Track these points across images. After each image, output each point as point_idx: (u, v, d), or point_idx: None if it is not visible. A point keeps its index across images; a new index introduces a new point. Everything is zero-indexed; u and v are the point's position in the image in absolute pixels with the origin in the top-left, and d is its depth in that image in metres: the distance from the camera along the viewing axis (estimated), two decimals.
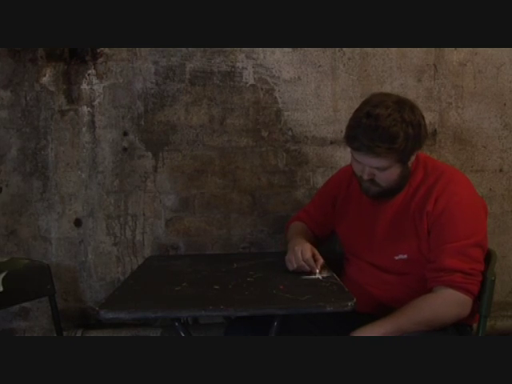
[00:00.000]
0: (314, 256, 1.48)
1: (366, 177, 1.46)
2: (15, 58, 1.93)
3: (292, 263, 1.48)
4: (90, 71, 1.96)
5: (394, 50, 2.01)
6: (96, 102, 1.97)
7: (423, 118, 1.45)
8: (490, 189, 2.08)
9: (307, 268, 1.46)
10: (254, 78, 2.00)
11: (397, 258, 1.50)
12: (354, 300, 1.24)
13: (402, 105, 1.41)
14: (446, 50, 2.02)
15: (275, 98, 2.01)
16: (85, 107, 1.98)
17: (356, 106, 1.47)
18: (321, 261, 1.48)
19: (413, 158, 1.46)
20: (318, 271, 1.45)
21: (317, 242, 1.71)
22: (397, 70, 2.02)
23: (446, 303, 1.38)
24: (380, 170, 1.43)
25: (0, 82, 1.94)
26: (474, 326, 1.49)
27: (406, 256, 1.48)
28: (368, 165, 1.43)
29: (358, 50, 2.00)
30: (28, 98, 1.96)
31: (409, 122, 1.38)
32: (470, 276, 1.38)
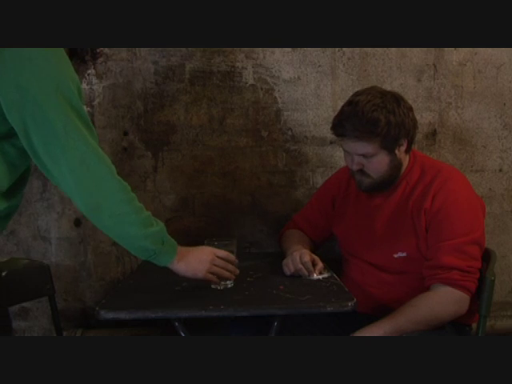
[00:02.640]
0: (312, 261, 1.46)
1: (355, 167, 1.47)
2: None
3: (289, 267, 1.46)
4: (89, 71, 1.96)
5: (393, 49, 2.01)
6: (96, 102, 1.97)
7: (411, 110, 1.48)
8: (490, 189, 2.08)
9: (305, 272, 1.43)
10: (254, 78, 2.00)
11: (396, 256, 1.50)
12: (354, 300, 1.25)
13: (386, 94, 1.45)
14: (446, 49, 2.02)
15: (275, 97, 2.01)
16: (84, 107, 1.96)
17: None
18: (320, 265, 1.47)
19: (402, 148, 1.47)
20: (315, 275, 1.43)
21: (314, 247, 1.70)
22: (396, 69, 2.02)
23: (444, 301, 1.38)
24: (367, 157, 1.44)
25: None
26: (474, 325, 1.49)
27: (405, 254, 1.49)
28: (354, 152, 1.45)
29: (357, 49, 2.00)
30: None
31: (391, 110, 1.41)
32: (467, 273, 1.38)
